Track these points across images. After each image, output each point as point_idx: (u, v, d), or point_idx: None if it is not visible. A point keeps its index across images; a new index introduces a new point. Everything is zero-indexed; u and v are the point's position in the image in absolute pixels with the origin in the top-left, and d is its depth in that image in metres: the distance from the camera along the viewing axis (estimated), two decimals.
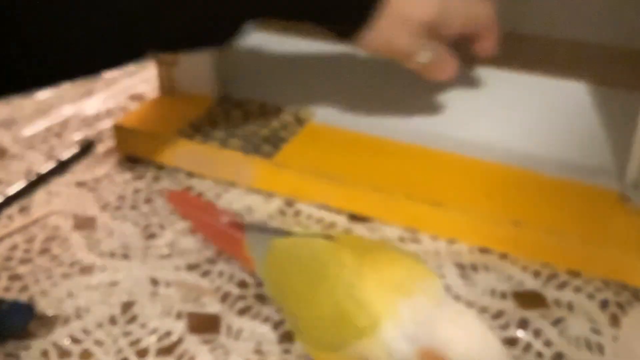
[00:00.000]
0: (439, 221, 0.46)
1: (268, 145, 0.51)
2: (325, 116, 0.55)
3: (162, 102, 0.58)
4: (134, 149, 0.55)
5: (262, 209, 0.49)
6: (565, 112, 0.54)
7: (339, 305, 0.31)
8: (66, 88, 0.68)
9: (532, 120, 0.54)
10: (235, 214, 0.48)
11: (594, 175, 0.47)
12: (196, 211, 0.47)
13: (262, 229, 0.41)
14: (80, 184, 0.53)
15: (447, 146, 0.51)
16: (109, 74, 0.70)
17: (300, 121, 0.55)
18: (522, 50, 0.64)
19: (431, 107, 0.56)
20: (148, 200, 0.51)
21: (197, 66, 0.57)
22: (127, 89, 0.67)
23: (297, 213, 0.49)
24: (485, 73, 0.60)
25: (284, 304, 0.36)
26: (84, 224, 0.49)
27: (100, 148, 0.58)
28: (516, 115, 0.54)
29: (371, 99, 0.57)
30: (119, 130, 0.55)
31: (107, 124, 0.61)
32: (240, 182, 0.52)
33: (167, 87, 0.59)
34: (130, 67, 0.71)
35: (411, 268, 0.31)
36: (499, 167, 0.48)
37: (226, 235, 0.42)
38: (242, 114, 0.56)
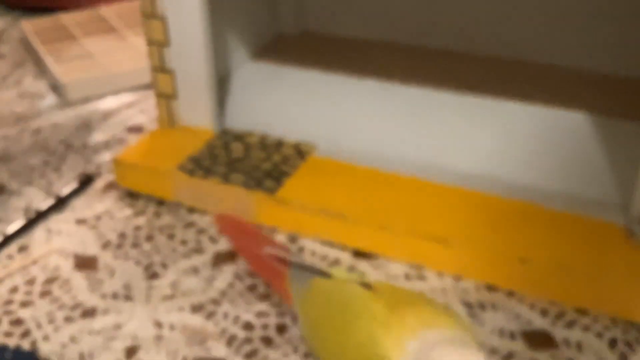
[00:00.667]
0: (445, 258, 0.45)
1: (270, 180, 0.51)
2: (326, 149, 0.55)
3: (161, 135, 0.58)
4: (134, 183, 0.55)
5: None
6: (568, 143, 0.54)
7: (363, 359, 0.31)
8: (63, 120, 0.67)
9: (535, 152, 0.53)
10: (282, 245, 0.48)
11: (598, 209, 0.47)
12: (243, 235, 0.47)
13: (305, 267, 0.41)
14: (80, 221, 0.52)
15: (450, 179, 0.51)
16: (106, 105, 0.69)
17: (301, 154, 0.54)
18: (522, 78, 0.64)
19: (433, 140, 0.55)
20: (149, 238, 0.50)
21: (196, 99, 0.56)
22: (125, 120, 0.67)
23: (301, 249, 0.49)
24: (485, 103, 0.60)
25: (315, 345, 0.36)
26: (85, 263, 0.48)
27: (100, 182, 0.57)
28: (518, 147, 0.54)
29: (373, 132, 0.57)
30: (119, 165, 0.54)
31: (106, 157, 0.60)
32: (243, 218, 0.51)
33: (167, 120, 0.58)
34: (129, 99, 0.71)
35: (443, 324, 0.31)
36: (503, 201, 0.48)
37: (269, 266, 0.42)
38: (243, 147, 0.56)
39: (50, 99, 0.71)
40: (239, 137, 0.57)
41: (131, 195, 0.55)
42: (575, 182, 0.50)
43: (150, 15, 0.54)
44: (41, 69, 0.78)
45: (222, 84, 0.65)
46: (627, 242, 0.44)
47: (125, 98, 0.71)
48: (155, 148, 0.56)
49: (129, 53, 0.76)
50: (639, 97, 0.60)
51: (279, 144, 0.56)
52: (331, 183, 0.51)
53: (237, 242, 0.47)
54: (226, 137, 0.57)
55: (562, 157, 0.53)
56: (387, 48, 0.72)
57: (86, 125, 0.66)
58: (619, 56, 0.64)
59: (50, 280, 0.47)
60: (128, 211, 0.53)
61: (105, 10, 0.88)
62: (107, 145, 0.63)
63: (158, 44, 0.55)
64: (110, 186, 0.56)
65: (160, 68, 0.56)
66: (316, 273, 0.39)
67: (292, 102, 0.62)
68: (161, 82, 0.57)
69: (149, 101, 0.70)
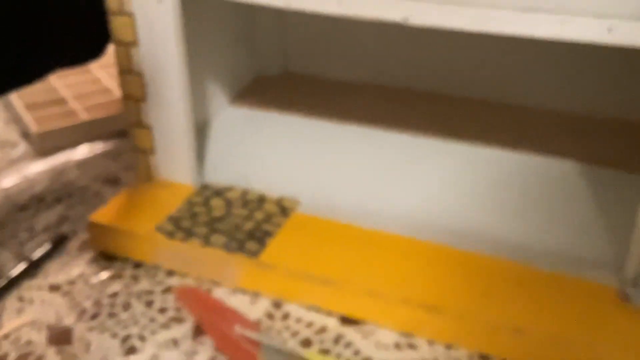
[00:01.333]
0: (436, 326, 0.44)
1: (253, 242, 0.49)
2: (311, 204, 0.53)
3: (139, 191, 0.56)
4: (110, 246, 0.52)
5: (248, 311, 0.47)
6: (558, 196, 0.53)
7: None
8: (35, 171, 0.65)
9: (524, 206, 0.52)
10: (253, 322, 0.45)
11: (591, 269, 0.46)
12: (209, 313, 0.44)
13: (278, 349, 0.39)
14: (54, 288, 0.50)
15: (440, 237, 0.49)
16: (80, 155, 0.67)
17: (285, 211, 0.52)
18: (508, 122, 0.63)
19: (420, 196, 0.54)
20: (126, 306, 0.48)
21: (175, 154, 0.54)
22: (100, 171, 0.64)
23: (286, 316, 0.47)
24: (475, 151, 0.59)
25: None
26: (59, 337, 0.46)
27: (75, 241, 0.55)
28: (507, 201, 0.53)
29: (359, 185, 0.55)
30: (94, 228, 0.52)
31: (81, 212, 0.58)
32: (225, 282, 0.49)
33: (145, 175, 0.56)
34: (104, 147, 0.68)
35: None
36: (494, 261, 0.47)
37: (238, 347, 0.40)
38: (224, 203, 0.54)
39: (21, 148, 0.69)
40: (220, 192, 0.55)
41: (107, 257, 0.53)
42: (566, 238, 0.49)
43: (127, 71, 0.52)
44: (12, 115, 0.75)
45: (200, 132, 0.63)
46: (622, 308, 0.43)
47: (100, 146, 0.68)
48: (132, 206, 0.54)
49: (103, 97, 0.74)
50: (628, 143, 0.59)
51: (261, 200, 0.54)
52: (316, 244, 0.49)
53: (202, 318, 0.45)
54: (206, 193, 0.55)
55: (552, 211, 0.52)
56: (370, 90, 0.70)
57: (59, 177, 0.64)
58: (606, 99, 0.63)
59: (23, 358, 0.44)
60: (104, 275, 0.51)
61: None
62: (82, 199, 0.60)
63: (135, 99, 0.53)
64: (85, 245, 0.54)
65: (138, 123, 0.54)
66: (289, 356, 0.38)
67: (274, 153, 0.60)
68: (139, 137, 0.55)
69: (125, 149, 0.67)
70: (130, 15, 0.50)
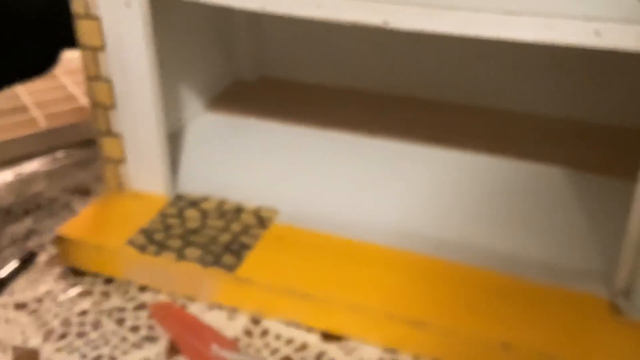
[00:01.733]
0: (422, 341, 0.42)
1: (229, 255, 0.47)
2: (289, 214, 0.51)
3: (109, 202, 0.53)
4: (79, 261, 0.50)
5: (225, 328, 0.45)
6: (545, 203, 0.52)
7: None
8: (1, 180, 0.62)
9: (510, 214, 0.51)
10: (230, 340, 0.43)
11: (579, 278, 0.44)
12: (184, 330, 0.42)
13: None
14: (20, 306, 0.47)
15: (423, 248, 0.47)
16: (48, 165, 0.64)
17: (263, 222, 0.50)
18: (492, 126, 0.62)
19: (403, 205, 0.52)
20: (96, 325, 0.45)
21: (147, 163, 0.52)
22: (69, 181, 0.62)
23: (265, 332, 0.45)
24: (458, 157, 0.58)
25: None
26: (25, 359, 0.43)
27: (43, 256, 0.52)
28: (493, 209, 0.51)
29: (339, 193, 0.54)
30: (62, 242, 0.50)
31: (49, 225, 0.56)
32: (201, 297, 0.47)
33: (116, 185, 0.54)
34: (72, 155, 0.66)
35: None
36: (481, 272, 0.45)
37: None
38: (199, 214, 0.51)
39: None
40: (195, 202, 0.53)
41: (76, 273, 0.50)
42: (553, 248, 0.47)
43: (95, 77, 0.50)
44: None
45: (174, 139, 0.61)
46: (613, 320, 0.41)
47: (70, 155, 0.66)
48: (102, 219, 0.51)
49: (69, 104, 0.71)
50: (614, 148, 0.58)
51: (238, 210, 0.52)
52: (296, 256, 0.47)
53: (177, 336, 0.43)
54: (181, 204, 0.53)
55: (538, 220, 0.50)
56: (349, 95, 0.69)
57: (27, 188, 0.61)
58: (589, 104, 0.62)
59: None
60: (73, 291, 0.49)
61: None
62: (50, 211, 0.58)
63: (103, 107, 0.51)
64: (54, 260, 0.52)
65: (107, 132, 0.52)
66: None
67: (251, 161, 0.58)
68: (108, 146, 0.52)
69: (96, 158, 0.65)
70: (96, 19, 0.47)
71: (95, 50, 0.49)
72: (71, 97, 0.74)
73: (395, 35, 0.65)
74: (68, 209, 0.58)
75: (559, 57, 0.61)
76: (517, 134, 0.61)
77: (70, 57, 0.80)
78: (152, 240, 0.49)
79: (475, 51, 0.64)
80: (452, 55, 0.65)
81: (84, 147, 0.67)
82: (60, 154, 0.66)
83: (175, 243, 0.48)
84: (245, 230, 0.50)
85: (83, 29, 0.48)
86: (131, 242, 0.48)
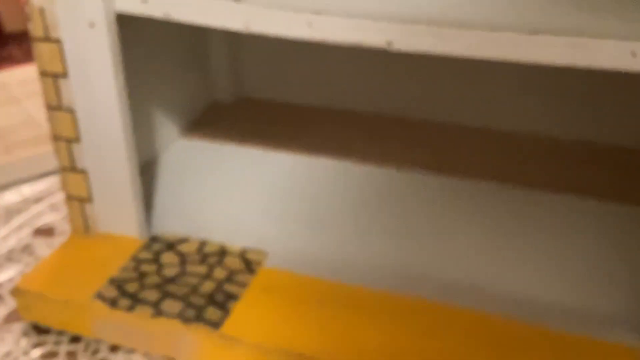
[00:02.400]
0: None
1: (213, 308, 0.41)
2: (279, 257, 0.46)
3: (75, 247, 0.47)
4: (42, 317, 0.44)
5: None
6: (559, 236, 0.47)
7: None
8: None
9: (522, 251, 0.46)
10: None
11: (610, 327, 0.40)
12: None
13: None
14: None
15: (433, 293, 0.42)
16: (8, 200, 0.58)
17: (250, 266, 0.45)
18: (493, 151, 0.57)
19: (406, 243, 0.47)
20: None
21: (117, 202, 0.46)
22: (31, 220, 0.55)
23: None
24: (461, 185, 0.53)
25: None
26: None
27: (2, 309, 0.46)
28: (506, 247, 0.46)
29: (332, 229, 0.48)
30: (22, 296, 0.43)
31: (9, 273, 0.49)
32: (182, 358, 0.41)
33: (82, 227, 0.48)
34: (36, 190, 0.59)
35: None
36: (496, 321, 0.40)
37: None
38: (178, 259, 0.46)
39: None
40: (172, 245, 0.47)
41: (39, 330, 0.44)
42: (575, 289, 0.42)
43: (56, 107, 0.44)
44: None
45: (147, 171, 0.55)
46: None
47: (32, 189, 0.59)
48: (68, 267, 0.45)
49: (33, 132, 0.65)
50: (622, 172, 0.54)
51: (222, 253, 0.46)
52: (289, 307, 0.42)
53: None
54: (156, 246, 0.47)
55: (555, 255, 0.45)
56: (331, 115, 0.63)
57: None
58: (601, 125, 0.58)
59: None
60: (35, 353, 0.42)
61: (3, 76, 0.76)
62: (9, 255, 0.51)
63: (66, 140, 0.45)
64: (13, 316, 0.45)
65: (71, 167, 0.46)
66: None
67: (233, 193, 0.53)
68: (72, 183, 0.46)
69: (61, 193, 0.59)
70: (57, 41, 0.41)
71: (56, 77, 0.43)
72: (35, 123, 0.67)
73: (379, 54, 0.60)
74: (29, 254, 0.51)
75: (560, 76, 0.57)
76: (520, 157, 0.56)
77: (33, 77, 0.74)
78: (124, 292, 0.43)
79: (473, 70, 0.59)
80: (443, 74, 0.60)
81: (49, 181, 0.60)
82: (21, 189, 0.60)
83: (151, 295, 0.42)
84: (231, 276, 0.44)
85: (42, 53, 0.42)
86: (100, 296, 0.42)
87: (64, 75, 0.43)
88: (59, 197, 0.58)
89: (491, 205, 0.50)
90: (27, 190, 0.59)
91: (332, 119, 0.63)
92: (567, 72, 0.56)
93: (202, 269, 0.45)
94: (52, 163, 0.61)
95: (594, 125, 0.58)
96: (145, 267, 0.45)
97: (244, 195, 0.52)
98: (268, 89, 0.66)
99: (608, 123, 0.57)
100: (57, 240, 0.52)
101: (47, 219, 0.56)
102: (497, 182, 0.53)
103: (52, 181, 0.60)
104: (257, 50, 0.65)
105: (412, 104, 0.62)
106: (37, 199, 0.58)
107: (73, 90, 0.43)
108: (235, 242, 0.47)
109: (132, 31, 0.46)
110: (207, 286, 0.43)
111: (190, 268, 0.45)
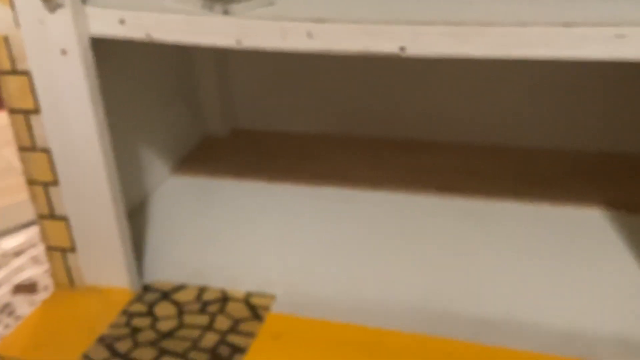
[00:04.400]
0: None
1: None
2: (288, 299, 0.41)
3: (59, 302, 0.42)
4: None
5: None
6: (597, 257, 0.42)
7: None
8: None
9: (560, 277, 0.41)
10: None
11: None
12: None
13: None
14: None
15: (460, 332, 0.37)
16: None
17: (256, 312, 0.40)
18: (497, 167, 0.53)
19: (427, 278, 0.42)
20: None
21: (103, 250, 0.42)
22: (11, 275, 0.50)
23: None
24: (470, 207, 0.48)
25: None
26: None
27: None
28: (535, 270, 0.42)
29: (347, 271, 0.43)
30: None
31: None
32: None
33: (66, 280, 0.43)
34: (16, 243, 0.54)
35: None
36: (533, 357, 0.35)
37: None
38: (175, 310, 0.41)
39: None
40: (167, 294, 0.42)
41: None
42: (625, 319, 0.38)
43: (29, 147, 0.39)
44: None
45: (137, 214, 0.50)
46: None
47: (11, 242, 0.54)
48: (51, 327, 0.40)
49: (12, 180, 0.60)
50: None
51: (224, 299, 0.41)
52: (304, 358, 0.36)
53: None
54: (149, 297, 0.42)
55: (595, 280, 0.41)
56: (329, 141, 0.59)
57: None
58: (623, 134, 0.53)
59: None
60: None
61: None
62: None
63: (43, 184, 0.40)
64: None
65: (50, 215, 0.41)
66: None
67: (231, 232, 0.48)
68: (52, 232, 0.42)
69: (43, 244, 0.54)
70: (25, 73, 0.37)
71: (27, 114, 0.38)
72: (13, 171, 0.63)
73: (378, 73, 0.56)
74: (9, 314, 0.46)
75: (572, 85, 0.53)
76: (538, 171, 0.52)
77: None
78: (116, 352, 0.38)
79: (481, 85, 0.55)
80: (450, 91, 0.56)
81: (30, 232, 0.55)
82: (6, 239, 0.54)
83: (146, 354, 0.37)
84: (235, 326, 0.39)
85: (10, 87, 0.38)
86: (88, 358, 0.37)
87: (36, 111, 0.38)
88: (41, 248, 0.53)
89: (515, 227, 0.46)
90: (6, 243, 0.54)
91: (331, 146, 0.59)
92: (579, 79, 0.52)
93: (202, 320, 0.40)
94: (32, 212, 0.56)
95: (612, 135, 0.54)
96: (138, 322, 0.40)
97: (242, 232, 0.48)
98: (262, 118, 0.62)
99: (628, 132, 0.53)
100: (40, 297, 0.47)
101: (28, 273, 0.50)
102: (515, 200, 0.48)
103: (33, 232, 0.55)
104: (248, 79, 0.61)
105: (413, 125, 0.58)
106: (17, 252, 0.53)
107: (47, 128, 0.38)
108: (238, 286, 0.42)
109: (110, 59, 0.42)
110: (209, 339, 0.38)
111: (189, 319, 0.40)
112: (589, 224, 0.46)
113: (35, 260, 0.52)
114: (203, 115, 0.61)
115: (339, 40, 0.32)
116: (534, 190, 0.49)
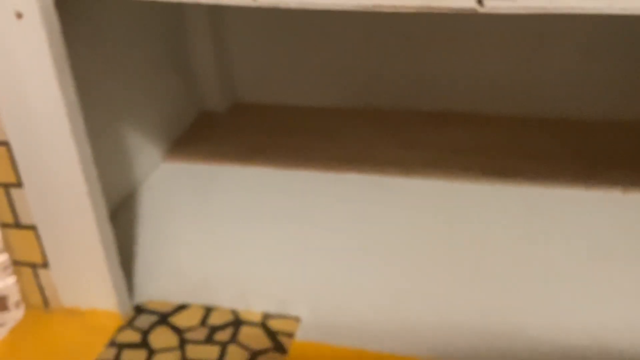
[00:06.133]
0: None
1: None
2: (315, 323, 0.33)
3: (29, 328, 0.35)
4: None
5: None
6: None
7: None
8: None
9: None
10: None
11: None
12: None
13: None
14: None
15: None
16: None
17: (277, 341, 0.32)
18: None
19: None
20: None
21: (82, 263, 0.34)
22: None
23: None
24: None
25: None
26: None
27: None
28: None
29: (382, 285, 0.35)
30: None
31: None
32: None
33: (39, 302, 0.35)
34: None
35: None
36: None
37: None
38: (176, 338, 0.33)
39: None
40: (164, 317, 0.34)
41: None
42: None
43: None
44: None
45: (124, 212, 0.42)
46: None
47: None
48: (20, 357, 0.32)
49: None
50: None
51: (236, 324, 0.33)
52: None
53: None
54: (143, 321, 0.34)
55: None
56: (336, 115, 0.52)
57: None
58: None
59: None
60: None
61: None
62: None
63: (3, 185, 0.32)
64: None
65: (14, 223, 0.33)
66: None
67: (236, 233, 0.40)
68: (18, 244, 0.34)
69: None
70: None
71: None
72: None
73: (403, 32, 0.48)
74: None
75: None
76: (608, 150, 0.44)
77: None
78: None
79: (531, 44, 0.46)
80: (492, 55, 0.48)
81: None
82: None
83: None
84: (254, 358, 0.31)
85: None
86: None
87: None
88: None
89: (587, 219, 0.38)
90: None
91: (349, 121, 0.52)
92: None
93: (210, 353, 0.32)
94: None
95: None
96: (130, 355, 0.32)
97: (254, 234, 0.40)
98: (267, 89, 0.54)
99: None
100: (10, 316, 0.39)
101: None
102: (583, 186, 0.40)
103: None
104: (248, 43, 0.53)
105: (446, 94, 0.50)
106: None
107: (1, 113, 0.30)
108: (252, 304, 0.35)
109: (80, 21, 0.33)
110: None
111: (194, 351, 0.32)
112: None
113: (3, 268, 0.44)
114: (198, 87, 0.53)
115: None
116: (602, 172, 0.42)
